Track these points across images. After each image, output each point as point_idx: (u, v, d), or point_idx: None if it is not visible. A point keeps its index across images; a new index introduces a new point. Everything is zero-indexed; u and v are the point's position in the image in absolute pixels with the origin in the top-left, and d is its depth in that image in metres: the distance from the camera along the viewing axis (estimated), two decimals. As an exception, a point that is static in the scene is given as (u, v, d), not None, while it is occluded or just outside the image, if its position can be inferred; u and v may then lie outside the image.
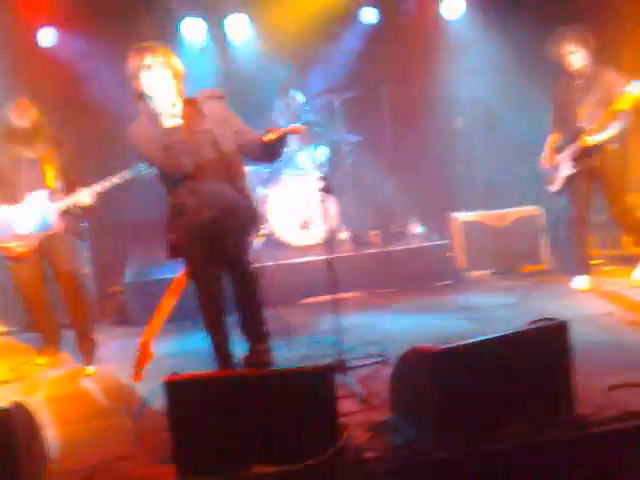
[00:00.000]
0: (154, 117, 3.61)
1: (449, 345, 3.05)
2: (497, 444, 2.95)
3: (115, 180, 4.38)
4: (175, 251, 3.76)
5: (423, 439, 3.02)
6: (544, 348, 3.12)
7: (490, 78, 6.82)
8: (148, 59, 3.51)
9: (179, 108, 3.62)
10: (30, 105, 4.37)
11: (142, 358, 4.16)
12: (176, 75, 3.58)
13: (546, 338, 3.16)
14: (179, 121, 3.62)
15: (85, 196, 4.37)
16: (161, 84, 3.53)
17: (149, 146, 3.60)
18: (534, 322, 3.24)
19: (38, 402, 3.90)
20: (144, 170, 4.30)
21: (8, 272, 4.63)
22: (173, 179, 3.66)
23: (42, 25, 6.54)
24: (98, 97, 6.43)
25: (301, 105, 6.55)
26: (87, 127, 6.40)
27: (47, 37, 6.55)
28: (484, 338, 3.12)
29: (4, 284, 5.04)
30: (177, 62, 3.62)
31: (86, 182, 4.46)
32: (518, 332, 3.18)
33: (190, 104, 3.65)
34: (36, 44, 6.53)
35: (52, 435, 3.22)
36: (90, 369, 4.49)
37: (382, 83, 6.72)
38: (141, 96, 3.58)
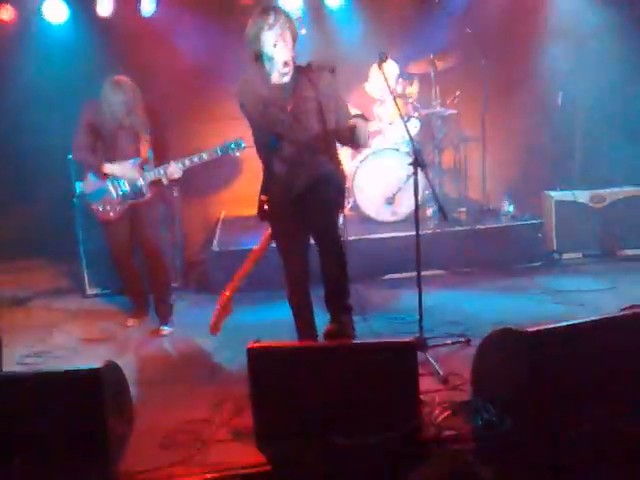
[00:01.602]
0: (265, 76, 3.65)
1: (544, 327, 2.95)
2: (582, 429, 2.84)
3: (204, 156, 4.47)
4: (265, 214, 3.80)
5: (506, 421, 2.94)
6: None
7: (599, 53, 6.48)
8: (271, 18, 3.55)
9: (291, 71, 3.64)
10: (126, 80, 4.50)
11: (222, 312, 4.27)
12: (294, 37, 3.61)
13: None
14: (287, 83, 3.64)
15: (175, 169, 4.48)
16: (281, 42, 3.56)
17: (252, 102, 3.64)
18: (630, 307, 3.08)
19: (125, 362, 4.04)
20: (234, 149, 4.38)
21: (103, 236, 4.81)
22: (270, 144, 3.67)
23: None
24: (196, 63, 6.54)
25: (395, 76, 6.42)
26: (183, 98, 6.53)
27: (149, 7, 6.66)
28: (578, 322, 3.00)
29: (99, 248, 5.24)
30: (295, 25, 3.64)
31: (177, 154, 4.56)
32: (614, 317, 3.04)
33: (302, 71, 3.68)
34: (138, 14, 6.66)
35: (136, 394, 3.33)
36: (165, 329, 4.68)
37: (481, 55, 6.49)
38: (259, 56, 3.62)
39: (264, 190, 3.77)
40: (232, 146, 4.41)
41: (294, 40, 3.62)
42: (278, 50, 3.56)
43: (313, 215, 3.75)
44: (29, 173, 6.50)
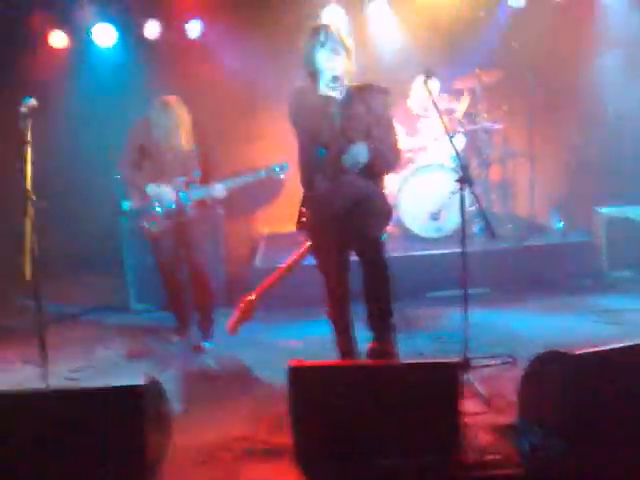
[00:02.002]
0: (315, 89, 3.66)
1: (594, 349, 2.86)
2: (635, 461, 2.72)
3: (248, 178, 4.49)
4: (303, 225, 3.79)
5: (552, 446, 2.84)
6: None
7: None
8: (322, 35, 3.58)
9: (343, 86, 3.64)
10: (173, 99, 4.56)
11: (242, 315, 4.33)
12: (347, 52, 3.63)
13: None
14: (340, 98, 3.64)
15: (220, 190, 4.53)
16: (333, 59, 3.58)
17: (302, 110, 3.65)
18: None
19: (167, 378, 4.06)
20: (278, 172, 4.42)
21: (148, 253, 4.87)
22: (316, 156, 3.67)
23: (190, 17, 6.79)
24: (241, 83, 6.62)
25: (437, 91, 6.37)
26: (230, 120, 6.60)
27: (195, 29, 6.79)
28: (629, 344, 2.89)
29: (144, 264, 5.30)
30: (348, 40, 3.65)
31: (223, 173, 4.62)
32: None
33: (357, 89, 3.68)
34: (185, 36, 6.79)
35: (177, 410, 3.33)
36: (207, 345, 4.69)
37: (528, 69, 6.39)
38: (314, 74, 3.65)
39: (305, 201, 3.77)
40: (276, 169, 4.48)
41: (349, 55, 3.63)
42: (331, 66, 3.58)
43: (355, 233, 3.72)
44: (79, 190, 6.65)
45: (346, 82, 3.65)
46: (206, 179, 4.62)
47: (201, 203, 4.63)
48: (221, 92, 6.69)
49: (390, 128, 3.77)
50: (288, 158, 4.31)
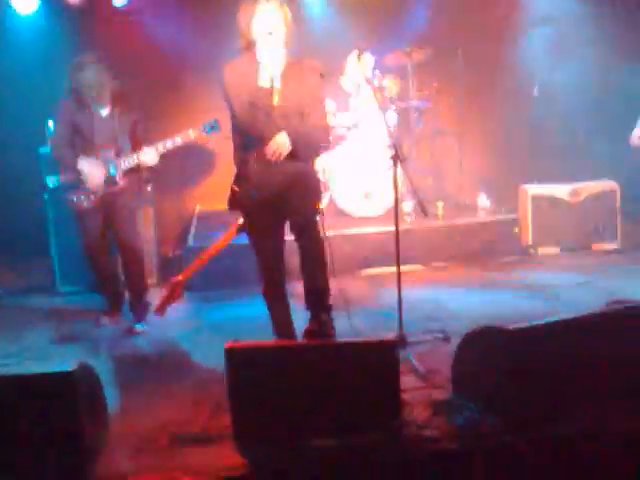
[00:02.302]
0: (254, 64, 3.57)
1: (526, 324, 2.94)
2: (566, 430, 2.83)
3: (178, 140, 4.37)
4: (236, 203, 3.73)
5: (488, 420, 2.93)
6: (626, 333, 2.97)
7: (576, 44, 6.49)
8: (263, 4, 3.48)
9: (282, 61, 3.56)
10: (97, 62, 4.39)
11: (170, 295, 4.31)
12: (286, 22, 3.53)
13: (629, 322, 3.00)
14: (277, 83, 3.55)
15: (149, 154, 4.40)
16: (272, 27, 3.48)
17: (237, 95, 3.55)
18: (614, 303, 3.08)
19: (99, 362, 3.95)
20: (209, 131, 4.33)
21: (76, 231, 4.69)
22: (247, 137, 3.61)
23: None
24: (169, 54, 6.42)
25: (371, 68, 6.36)
26: (157, 85, 6.41)
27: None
28: (562, 318, 2.99)
29: (70, 244, 5.12)
30: (288, 11, 3.55)
31: (151, 141, 4.47)
32: (596, 313, 3.04)
33: (293, 67, 3.60)
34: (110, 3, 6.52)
35: (111, 396, 3.25)
36: (139, 328, 4.57)
37: (457, 47, 6.46)
38: (249, 45, 3.55)
39: (237, 180, 3.70)
40: (207, 129, 4.34)
41: (288, 26, 3.54)
42: (269, 35, 3.48)
43: (290, 213, 3.70)
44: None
45: (283, 55, 3.56)
46: (135, 146, 4.49)
47: (131, 173, 4.48)
48: (148, 63, 6.48)
49: (322, 107, 3.73)
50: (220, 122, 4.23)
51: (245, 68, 3.58)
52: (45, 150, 5.29)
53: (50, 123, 4.76)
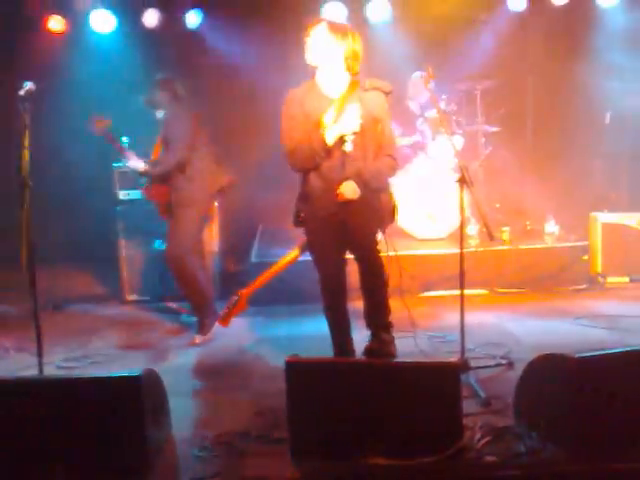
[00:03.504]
0: (316, 89, 3.63)
1: (591, 353, 2.87)
2: (633, 463, 2.73)
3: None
4: (300, 221, 3.78)
5: (548, 449, 2.85)
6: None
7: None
8: (311, 31, 3.57)
9: (342, 83, 3.62)
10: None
11: (235, 307, 4.35)
12: (337, 41, 3.55)
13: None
14: (335, 98, 3.60)
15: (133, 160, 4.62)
16: (320, 55, 3.55)
17: (298, 111, 3.61)
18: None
19: (163, 370, 4.02)
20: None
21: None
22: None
23: (189, 7, 6.74)
24: (242, 80, 6.57)
25: (439, 93, 6.36)
26: (227, 105, 6.55)
27: (194, 18, 6.74)
28: (629, 349, 2.90)
29: (139, 256, 5.27)
30: (338, 36, 3.57)
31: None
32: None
33: (354, 86, 3.64)
34: (184, 25, 6.74)
35: (173, 404, 3.31)
36: (199, 337, 4.62)
37: (527, 73, 6.41)
38: (311, 69, 3.64)
39: (301, 198, 3.75)
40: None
41: (351, 53, 3.57)
42: (322, 61, 3.55)
43: (350, 232, 3.72)
44: (75, 179, 6.59)
45: (342, 77, 3.61)
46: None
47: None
48: (220, 83, 6.65)
49: (387, 128, 3.72)
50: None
51: (306, 90, 3.64)
52: (118, 164, 5.47)
53: (125, 139, 4.92)
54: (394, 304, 4.18)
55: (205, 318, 4.72)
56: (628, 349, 3.04)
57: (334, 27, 3.58)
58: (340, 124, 3.52)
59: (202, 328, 4.69)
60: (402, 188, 6.00)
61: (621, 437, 2.81)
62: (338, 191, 3.55)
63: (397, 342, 3.97)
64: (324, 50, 3.56)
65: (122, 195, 5.45)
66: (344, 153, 3.58)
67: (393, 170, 3.79)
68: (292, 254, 4.44)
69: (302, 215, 3.75)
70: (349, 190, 3.55)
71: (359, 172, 3.58)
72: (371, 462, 2.85)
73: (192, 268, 4.63)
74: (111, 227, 5.63)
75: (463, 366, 3.65)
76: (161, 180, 4.61)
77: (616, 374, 2.88)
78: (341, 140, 3.56)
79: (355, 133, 3.56)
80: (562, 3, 6.66)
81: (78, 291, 5.93)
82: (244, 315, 4.82)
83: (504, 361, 3.94)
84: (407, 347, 4.10)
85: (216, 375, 4.11)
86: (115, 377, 2.94)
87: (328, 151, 3.56)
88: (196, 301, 4.73)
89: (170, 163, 4.52)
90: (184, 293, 4.75)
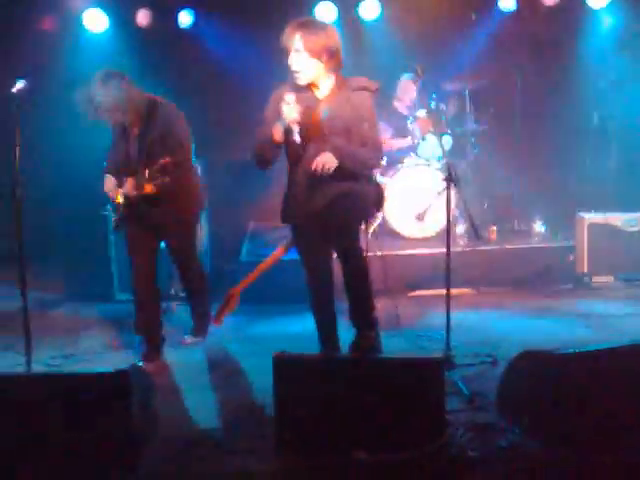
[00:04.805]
0: (300, 88, 3.62)
1: (570, 350, 2.92)
2: (612, 456, 2.78)
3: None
4: (286, 219, 3.80)
5: (531, 444, 2.91)
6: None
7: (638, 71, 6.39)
8: (284, 38, 3.56)
9: (328, 83, 3.64)
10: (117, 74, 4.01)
11: (227, 306, 4.41)
12: (313, 53, 3.52)
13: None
14: (325, 96, 3.62)
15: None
16: (294, 52, 3.54)
17: (265, 120, 3.63)
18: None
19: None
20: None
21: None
22: (294, 155, 3.68)
23: (182, 6, 6.76)
24: (234, 79, 6.60)
25: (428, 93, 6.41)
26: (219, 104, 6.57)
27: (186, 18, 6.77)
28: (611, 346, 2.96)
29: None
30: (313, 40, 3.53)
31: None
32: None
33: (341, 86, 3.65)
34: (176, 25, 6.76)
35: (160, 400, 3.34)
36: (191, 339, 4.56)
37: (516, 73, 6.46)
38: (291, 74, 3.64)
39: (287, 196, 3.78)
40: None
41: (317, 54, 3.52)
42: (291, 60, 3.55)
43: (332, 231, 3.75)
44: (66, 177, 6.59)
45: (329, 74, 3.61)
46: None
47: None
48: (212, 81, 6.67)
49: (372, 123, 3.71)
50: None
51: (290, 90, 3.62)
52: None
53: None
54: (381, 303, 4.24)
55: (205, 319, 4.65)
56: (610, 346, 3.09)
57: (308, 38, 3.51)
58: (282, 116, 3.51)
59: (200, 329, 4.62)
60: (391, 187, 6.05)
61: (602, 432, 2.86)
62: (315, 161, 3.51)
63: (383, 340, 4.01)
64: (302, 61, 3.55)
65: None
66: (323, 147, 3.58)
67: (374, 161, 3.80)
68: (281, 250, 4.49)
69: (287, 212, 3.78)
70: (326, 158, 3.50)
71: (336, 146, 3.56)
72: (355, 457, 2.89)
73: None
74: (102, 225, 5.64)
75: (447, 363, 3.70)
76: None
77: (598, 371, 2.93)
78: (328, 142, 3.58)
79: (340, 134, 3.58)
80: (552, 3, 6.72)
81: (67, 289, 5.92)
82: (234, 313, 4.85)
83: (488, 359, 3.99)
84: (393, 345, 4.14)
85: (203, 373, 4.14)
86: (103, 373, 2.97)
87: (301, 147, 3.57)
88: (204, 302, 4.63)
89: None
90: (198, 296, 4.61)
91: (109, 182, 4.14)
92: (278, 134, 3.54)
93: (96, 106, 3.81)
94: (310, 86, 3.64)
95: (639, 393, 2.91)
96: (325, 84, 3.66)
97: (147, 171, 3.91)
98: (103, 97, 3.79)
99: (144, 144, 4.01)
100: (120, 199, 4.07)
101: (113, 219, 4.26)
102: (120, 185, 4.09)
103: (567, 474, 2.79)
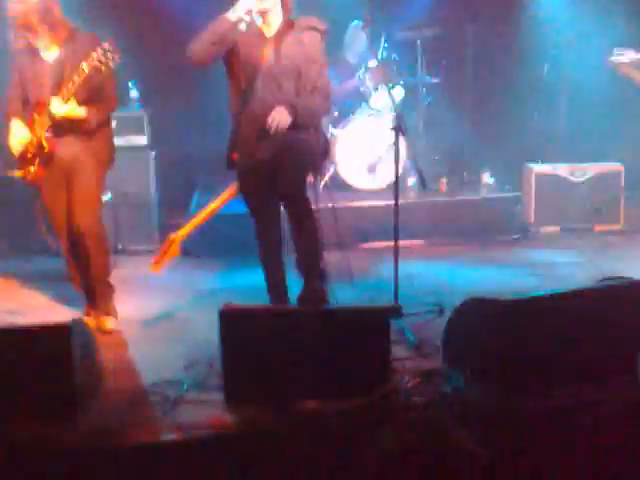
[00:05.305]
0: (250, 25, 3.55)
1: (515, 297, 2.96)
2: (552, 401, 2.86)
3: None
4: (233, 163, 3.73)
5: (474, 389, 2.96)
6: (616, 308, 2.98)
7: (590, 25, 6.41)
8: None
9: (277, 22, 3.57)
10: None
11: (166, 252, 4.31)
12: None
13: (620, 297, 3.02)
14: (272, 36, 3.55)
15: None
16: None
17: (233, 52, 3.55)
18: (605, 280, 3.10)
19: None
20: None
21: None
22: (240, 98, 3.60)
23: None
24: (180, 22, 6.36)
25: (380, 42, 6.32)
26: (162, 56, 6.37)
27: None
28: (552, 292, 3.01)
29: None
30: None
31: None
32: (589, 289, 3.06)
33: (289, 26, 3.58)
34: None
35: (107, 355, 3.31)
36: (109, 323, 3.96)
37: (468, 23, 6.42)
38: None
39: (231, 140, 3.70)
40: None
41: None
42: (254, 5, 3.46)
43: (279, 181, 3.70)
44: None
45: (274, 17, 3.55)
46: None
47: None
48: (157, 26, 6.43)
49: (321, 66, 3.66)
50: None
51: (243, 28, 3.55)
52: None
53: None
54: (332, 255, 4.23)
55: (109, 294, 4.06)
56: (552, 292, 3.14)
57: None
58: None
59: (107, 309, 3.99)
60: (343, 138, 6.00)
61: (544, 377, 2.93)
62: (270, 116, 3.47)
63: (334, 291, 4.02)
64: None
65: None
66: (278, 98, 3.52)
67: (324, 110, 3.79)
68: (224, 196, 4.40)
69: (233, 157, 3.71)
70: (281, 116, 3.46)
71: (291, 102, 3.53)
72: (306, 406, 2.92)
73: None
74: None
75: (394, 312, 3.73)
76: None
77: (541, 317, 2.99)
78: (277, 84, 3.49)
79: (290, 76, 3.52)
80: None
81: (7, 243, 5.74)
82: (180, 268, 4.80)
83: (436, 308, 4.04)
84: (343, 296, 4.16)
85: (150, 326, 4.10)
86: (44, 327, 2.92)
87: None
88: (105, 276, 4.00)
89: None
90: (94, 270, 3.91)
91: (18, 129, 3.55)
92: (233, 15, 3.44)
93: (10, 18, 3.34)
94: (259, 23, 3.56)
95: (580, 339, 2.98)
96: (274, 23, 3.57)
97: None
98: (19, 3, 3.31)
99: (60, 72, 3.48)
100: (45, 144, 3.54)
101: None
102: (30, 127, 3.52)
103: (506, 420, 2.85)
